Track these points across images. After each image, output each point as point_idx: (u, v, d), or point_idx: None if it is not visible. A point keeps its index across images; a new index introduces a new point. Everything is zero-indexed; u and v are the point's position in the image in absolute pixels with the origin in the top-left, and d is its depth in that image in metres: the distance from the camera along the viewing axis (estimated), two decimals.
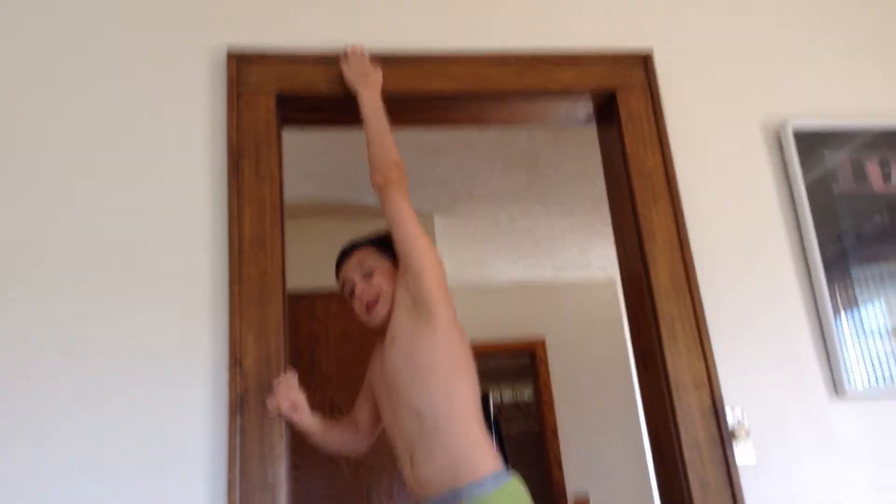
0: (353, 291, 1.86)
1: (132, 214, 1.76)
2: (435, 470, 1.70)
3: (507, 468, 1.73)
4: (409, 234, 1.76)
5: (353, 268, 1.87)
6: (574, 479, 4.47)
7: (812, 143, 1.99)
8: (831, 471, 1.78)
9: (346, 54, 1.89)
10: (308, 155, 2.95)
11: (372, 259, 1.86)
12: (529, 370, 4.88)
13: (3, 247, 1.69)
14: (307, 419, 1.75)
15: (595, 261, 4.53)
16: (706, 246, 1.91)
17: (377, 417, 1.93)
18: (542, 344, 4.73)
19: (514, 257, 4.36)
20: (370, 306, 1.85)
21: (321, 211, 3.54)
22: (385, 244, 1.87)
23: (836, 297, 1.88)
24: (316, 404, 1.77)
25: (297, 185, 3.08)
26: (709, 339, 1.81)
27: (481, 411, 1.79)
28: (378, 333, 1.88)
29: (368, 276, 1.85)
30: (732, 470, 1.72)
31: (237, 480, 1.59)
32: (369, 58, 1.90)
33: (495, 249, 4.22)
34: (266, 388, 1.66)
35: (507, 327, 4.70)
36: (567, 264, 4.55)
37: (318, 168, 3.14)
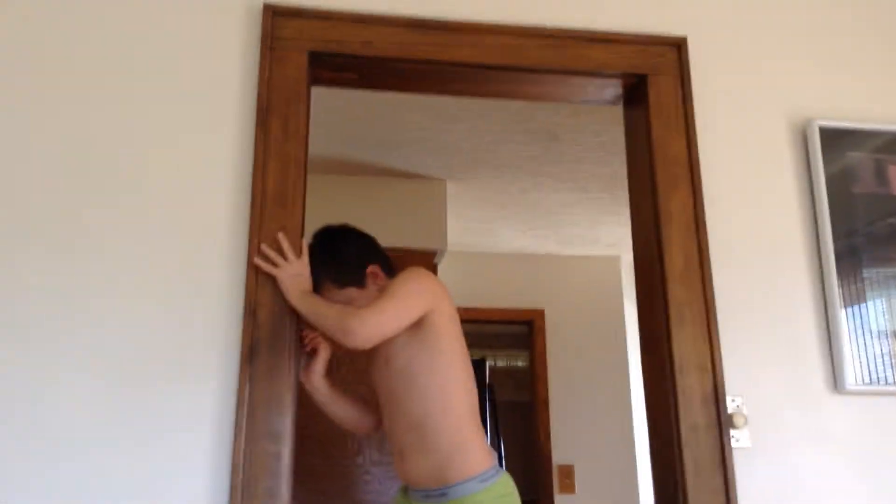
0: None
1: (156, 161, 1.77)
2: (426, 467, 1.75)
3: (500, 461, 1.78)
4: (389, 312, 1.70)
5: None
6: (561, 449, 4.55)
7: (835, 141, 2.00)
8: (822, 462, 1.83)
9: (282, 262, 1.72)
10: (327, 111, 2.95)
11: (339, 298, 1.81)
12: (526, 339, 4.92)
13: (41, 183, 1.72)
14: (317, 381, 1.82)
15: (603, 238, 4.55)
16: (722, 234, 1.93)
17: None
18: (541, 314, 4.76)
19: (521, 228, 4.38)
20: None
21: (337, 167, 3.55)
22: (337, 270, 1.83)
23: (843, 294, 1.91)
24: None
25: (317, 140, 3.09)
26: (716, 326, 1.84)
27: (477, 410, 1.82)
28: None
29: None
30: (727, 454, 1.76)
31: (244, 425, 1.63)
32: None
33: (503, 219, 4.23)
34: (278, 340, 1.69)
35: (508, 295, 4.73)
36: (573, 239, 4.57)
37: (337, 125, 3.14)
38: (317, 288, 1.80)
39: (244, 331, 1.68)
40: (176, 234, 1.73)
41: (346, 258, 1.87)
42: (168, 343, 1.67)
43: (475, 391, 1.84)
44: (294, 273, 1.72)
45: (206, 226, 1.75)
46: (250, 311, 1.69)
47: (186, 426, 1.63)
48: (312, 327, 1.77)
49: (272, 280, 1.71)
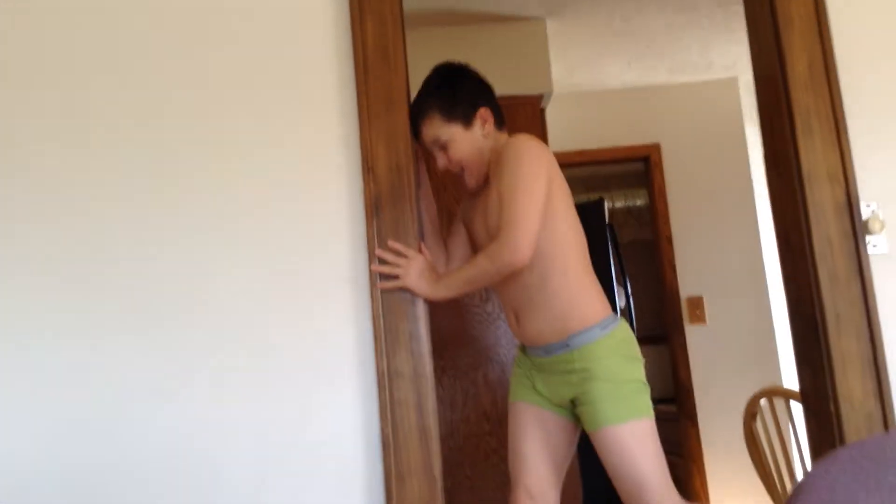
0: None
1: (257, 33, 1.79)
2: (546, 323, 1.78)
3: (624, 302, 1.78)
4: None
5: (429, 143, 1.85)
6: (688, 282, 4.50)
7: None
8: None
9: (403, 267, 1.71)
10: None
11: (442, 131, 1.82)
12: (643, 176, 4.81)
13: (159, 79, 1.78)
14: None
15: (717, 60, 4.29)
16: (848, 35, 1.80)
17: (462, 258, 1.98)
18: (657, 149, 4.60)
19: (628, 59, 4.19)
20: (459, 177, 1.88)
21: (431, 19, 3.48)
22: (448, 103, 1.82)
23: None
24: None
25: None
26: (846, 133, 1.75)
27: (590, 262, 1.83)
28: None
29: (444, 149, 1.83)
30: (864, 262, 1.72)
31: (377, 276, 1.71)
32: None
33: (608, 52, 4.05)
34: (399, 193, 1.72)
35: (621, 133, 4.58)
36: (685, 66, 4.34)
37: None
38: (421, 119, 1.82)
39: (365, 188, 1.73)
40: (286, 102, 1.77)
41: (461, 93, 1.85)
42: (298, 210, 1.75)
43: (586, 245, 1.84)
44: (418, 273, 1.71)
45: (313, 90, 1.78)
46: (368, 168, 1.73)
47: (326, 284, 1.73)
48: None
49: (385, 135, 1.73)
